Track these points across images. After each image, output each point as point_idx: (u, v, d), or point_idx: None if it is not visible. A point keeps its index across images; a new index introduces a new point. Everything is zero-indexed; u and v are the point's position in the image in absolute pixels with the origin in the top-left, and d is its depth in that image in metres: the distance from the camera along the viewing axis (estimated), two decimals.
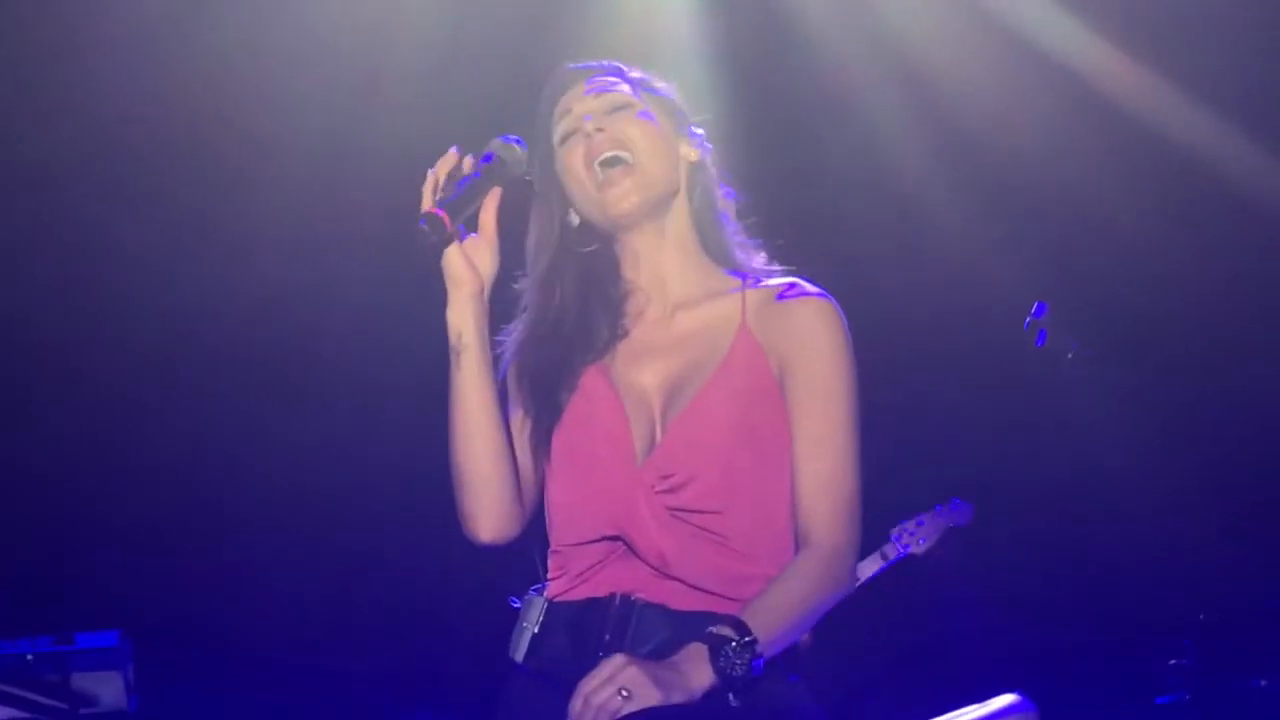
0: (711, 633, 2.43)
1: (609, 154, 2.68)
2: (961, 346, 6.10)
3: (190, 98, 5.61)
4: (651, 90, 2.81)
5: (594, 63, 2.83)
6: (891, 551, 5.66)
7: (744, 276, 2.76)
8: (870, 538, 5.50)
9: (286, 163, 5.71)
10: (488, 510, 2.65)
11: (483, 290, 2.65)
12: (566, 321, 2.73)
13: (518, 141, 2.73)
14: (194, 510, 6.02)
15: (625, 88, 2.77)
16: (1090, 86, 5.75)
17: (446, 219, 2.55)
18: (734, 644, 2.41)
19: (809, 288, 2.73)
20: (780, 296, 2.70)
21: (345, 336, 6.03)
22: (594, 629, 2.59)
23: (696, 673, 2.40)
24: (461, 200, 2.61)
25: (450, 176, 2.64)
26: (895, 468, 4.57)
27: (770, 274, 2.76)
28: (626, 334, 2.75)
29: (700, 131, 2.84)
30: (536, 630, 2.66)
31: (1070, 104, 5.82)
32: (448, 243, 2.61)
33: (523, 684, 2.67)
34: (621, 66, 2.83)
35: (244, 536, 6.04)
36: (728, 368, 2.64)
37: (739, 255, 2.78)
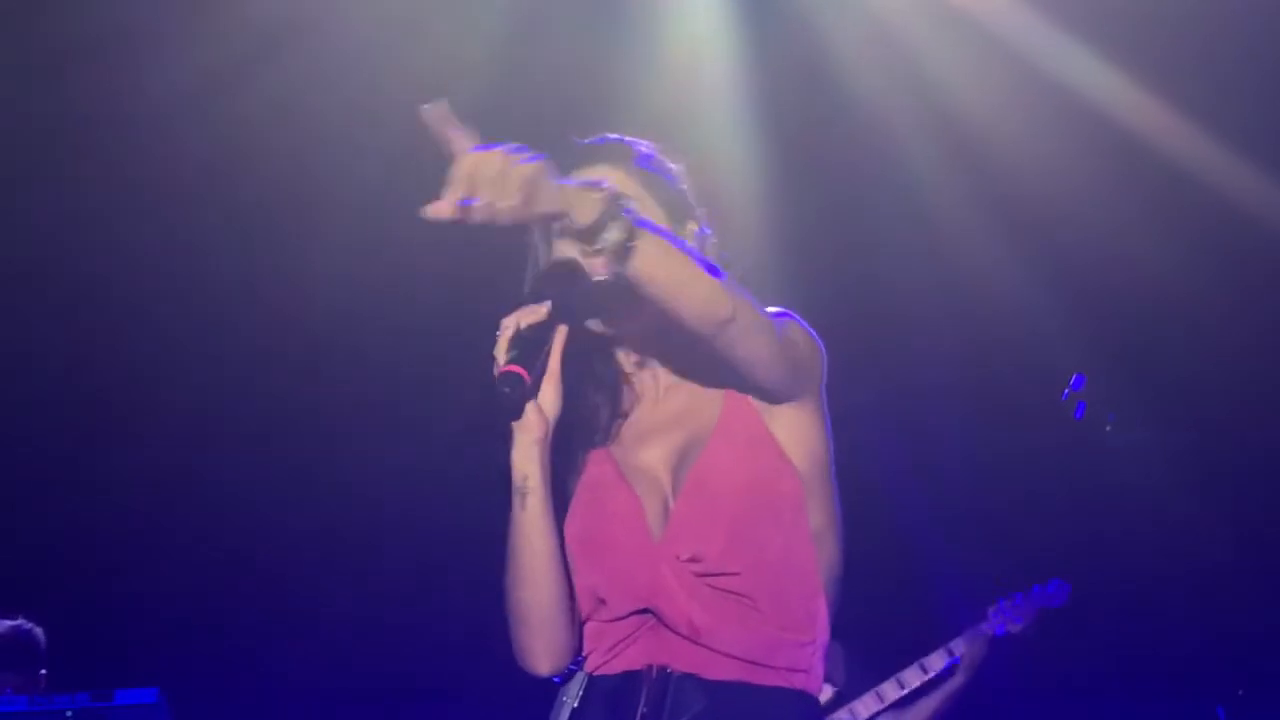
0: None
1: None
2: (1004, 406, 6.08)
3: (228, 153, 5.65)
4: (657, 172, 2.74)
5: (599, 141, 2.77)
6: (989, 628, 5.63)
7: None
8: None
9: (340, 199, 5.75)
10: (549, 646, 2.63)
11: (548, 433, 2.61)
12: (564, 406, 2.68)
13: None
14: (235, 570, 6.04)
15: (636, 188, 2.67)
16: (1132, 135, 5.74)
17: (525, 375, 2.51)
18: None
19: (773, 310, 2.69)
20: None
21: (392, 373, 6.05)
22: (630, 701, 2.59)
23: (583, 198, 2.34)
24: (533, 350, 2.55)
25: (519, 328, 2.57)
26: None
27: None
28: (626, 415, 2.75)
29: (702, 218, 2.76)
30: (576, 705, 2.65)
31: (1111, 153, 5.81)
32: (528, 398, 2.58)
33: None
34: (630, 146, 2.76)
35: (283, 599, 6.06)
36: (724, 428, 2.65)
37: None
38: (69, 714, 5.09)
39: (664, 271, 2.41)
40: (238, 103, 5.59)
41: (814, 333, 2.69)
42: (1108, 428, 5.10)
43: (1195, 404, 6.05)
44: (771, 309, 2.64)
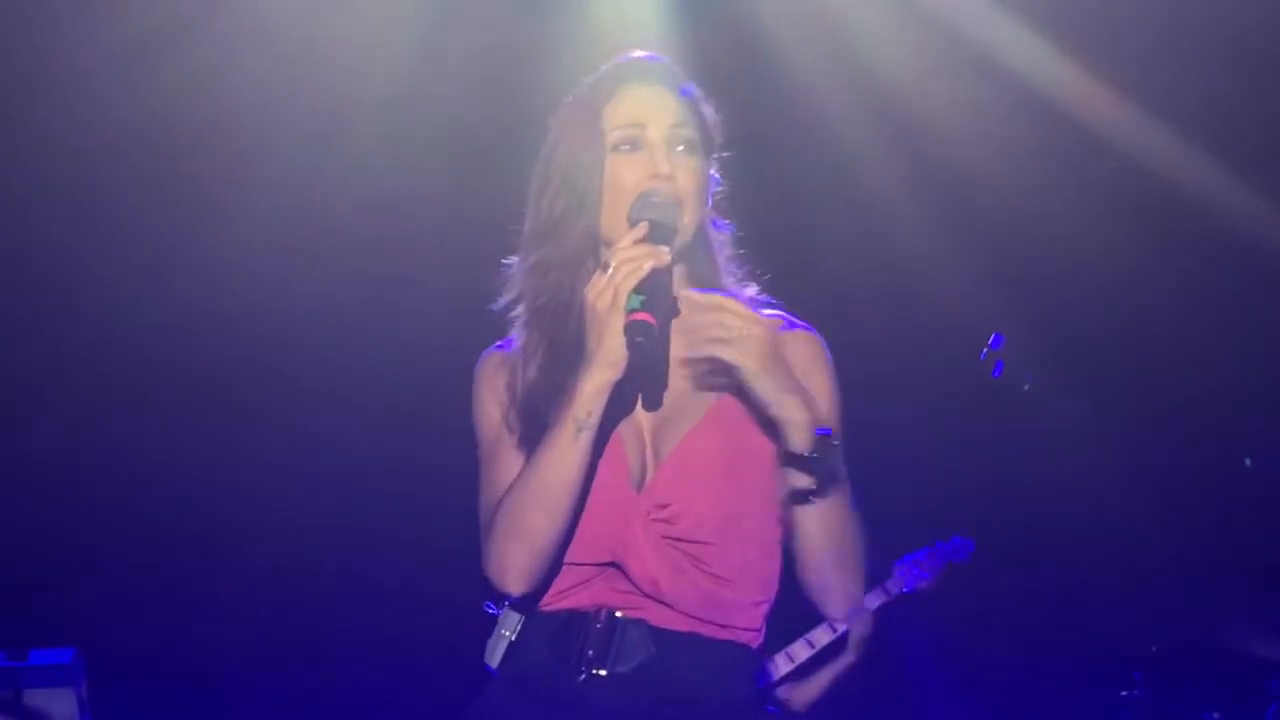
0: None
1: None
2: (924, 369, 6.13)
3: (167, 118, 5.60)
4: (704, 119, 2.74)
5: (664, 60, 2.76)
6: (895, 587, 5.69)
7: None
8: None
9: (266, 178, 5.71)
10: (536, 571, 2.58)
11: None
12: (564, 336, 2.68)
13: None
14: (151, 528, 5.99)
15: (692, 127, 2.69)
16: (1055, 110, 5.80)
17: (654, 321, 2.51)
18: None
19: (798, 322, 2.75)
20: (780, 329, 2.68)
21: (316, 351, 6.02)
22: (576, 642, 2.60)
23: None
24: (659, 293, 2.53)
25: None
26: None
27: (757, 305, 2.72)
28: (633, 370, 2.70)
29: (717, 175, 2.78)
30: (514, 638, 2.66)
31: (1036, 127, 5.87)
32: (657, 344, 2.56)
33: (498, 692, 2.67)
34: (679, 73, 2.76)
35: (201, 556, 6.02)
36: (723, 402, 2.64)
37: (730, 288, 2.75)
38: None
39: (836, 532, 2.58)
40: (164, 70, 5.54)
41: (829, 351, 2.75)
42: (1025, 387, 5.14)
43: (1109, 365, 6.12)
44: (798, 322, 2.75)
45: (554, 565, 2.60)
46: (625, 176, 2.63)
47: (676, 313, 2.62)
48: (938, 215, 6.02)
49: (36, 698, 5.04)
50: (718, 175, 2.79)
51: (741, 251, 2.84)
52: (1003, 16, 5.67)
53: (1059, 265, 6.14)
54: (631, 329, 2.49)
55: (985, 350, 5.16)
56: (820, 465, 2.51)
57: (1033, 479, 6.09)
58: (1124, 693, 5.39)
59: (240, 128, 5.70)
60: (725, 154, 2.81)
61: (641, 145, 2.65)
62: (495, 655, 2.67)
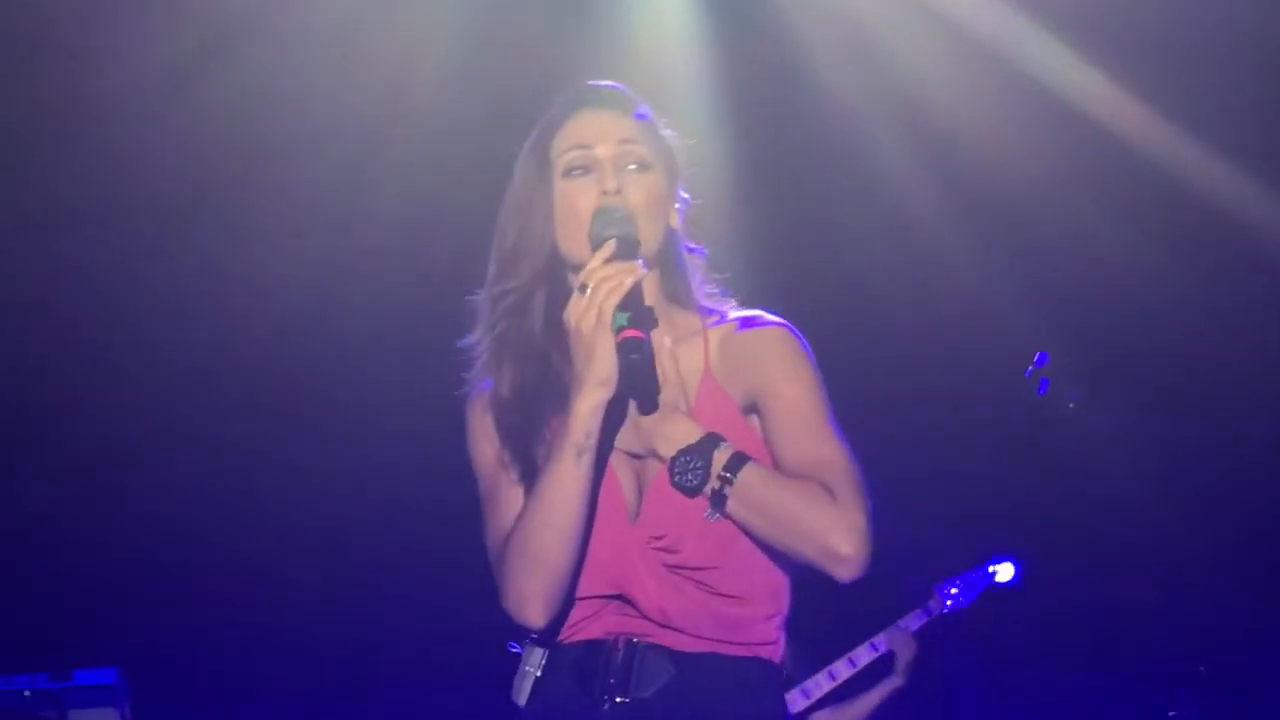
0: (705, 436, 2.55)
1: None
2: (970, 388, 6.10)
3: (209, 136, 5.64)
4: (661, 139, 2.73)
5: (618, 88, 2.74)
6: (936, 607, 5.66)
7: (707, 313, 2.71)
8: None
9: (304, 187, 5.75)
10: (553, 596, 2.55)
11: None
12: (532, 365, 2.66)
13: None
14: (195, 550, 6.00)
15: (645, 144, 2.68)
16: (1100, 130, 5.76)
17: (644, 336, 2.50)
18: (703, 453, 2.53)
19: (768, 318, 2.69)
20: (740, 329, 2.67)
21: (362, 368, 6.03)
22: (598, 671, 2.58)
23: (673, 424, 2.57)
24: (641, 308, 2.53)
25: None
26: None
27: (731, 310, 2.72)
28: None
29: (684, 192, 2.76)
30: (539, 674, 2.63)
31: (1082, 149, 5.84)
32: (648, 359, 2.54)
33: None
34: (636, 98, 2.74)
35: (246, 578, 6.02)
36: (696, 418, 2.60)
37: (704, 301, 2.73)
38: (26, 694, 5.07)
39: (761, 512, 2.52)
40: (200, 96, 5.56)
41: (804, 341, 2.68)
42: (1071, 405, 5.11)
43: (1156, 386, 6.08)
44: (769, 318, 2.68)
45: (569, 592, 2.57)
46: (577, 200, 2.62)
47: (656, 324, 2.60)
48: (979, 233, 5.99)
49: (81, 718, 5.07)
50: (686, 195, 2.75)
51: (726, 275, 2.79)
52: (1048, 38, 5.64)
53: (1104, 282, 6.11)
54: (625, 346, 2.48)
55: (1030, 368, 5.13)
56: (687, 480, 2.52)
57: (1078, 496, 6.05)
58: (1171, 713, 5.35)
59: (281, 143, 5.71)
60: (689, 171, 2.77)
61: (591, 167, 2.64)
62: (522, 693, 2.64)
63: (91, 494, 5.91)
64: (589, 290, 2.49)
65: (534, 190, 2.67)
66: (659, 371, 2.59)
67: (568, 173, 2.64)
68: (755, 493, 2.49)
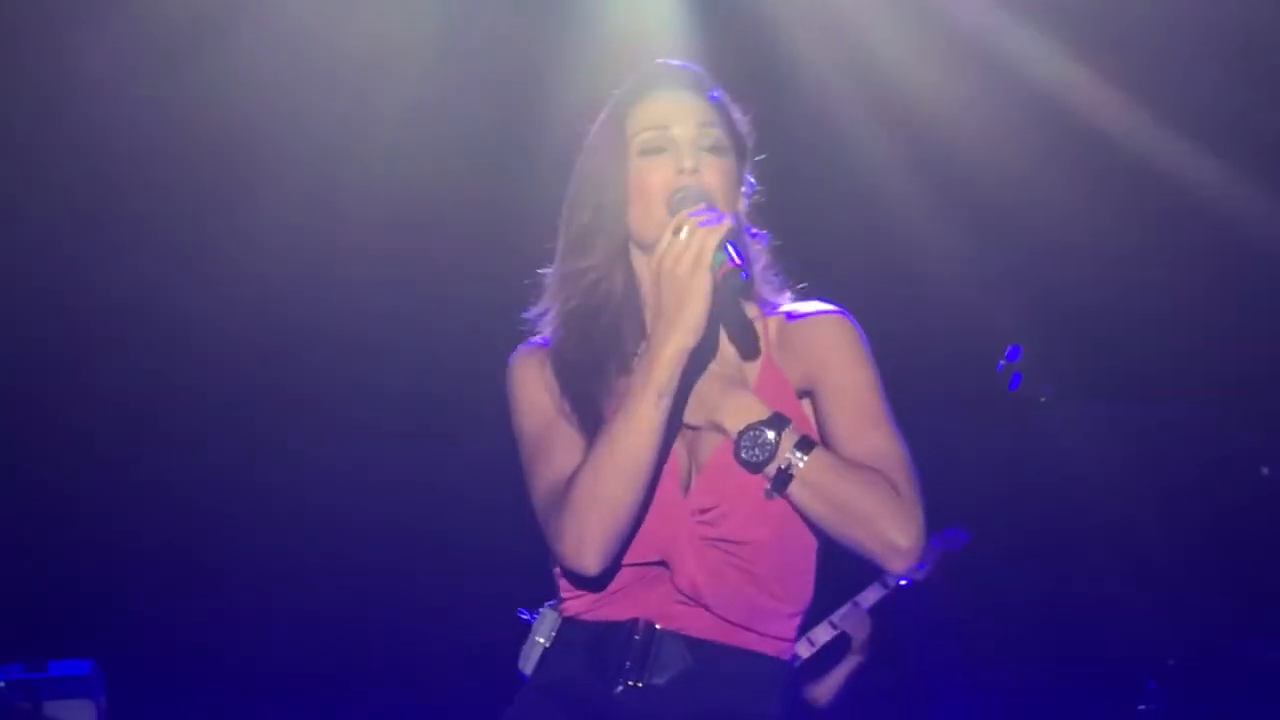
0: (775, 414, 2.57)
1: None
2: (940, 379, 6.12)
3: (187, 125, 5.63)
4: (734, 123, 2.75)
5: (693, 68, 2.76)
6: (892, 580, 5.69)
7: (762, 304, 2.74)
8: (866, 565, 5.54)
9: (286, 175, 5.74)
10: (612, 543, 2.55)
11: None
12: (600, 329, 2.69)
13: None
14: (170, 540, 6.00)
15: (720, 127, 2.69)
16: (1074, 117, 5.79)
17: (742, 265, 2.52)
18: (774, 430, 2.55)
19: (824, 306, 2.73)
20: (795, 318, 2.70)
21: (338, 356, 6.04)
22: (614, 653, 2.59)
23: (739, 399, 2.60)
24: (739, 245, 2.57)
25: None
26: None
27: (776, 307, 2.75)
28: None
29: (752, 179, 2.80)
30: (548, 645, 2.65)
31: (1056, 137, 5.85)
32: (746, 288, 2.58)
33: (529, 699, 2.66)
34: (713, 84, 2.77)
35: (220, 567, 6.03)
36: (760, 397, 2.62)
37: (765, 295, 2.76)
38: (1, 684, 5.07)
39: (827, 501, 2.54)
40: (178, 80, 5.57)
41: (860, 328, 2.71)
42: (1042, 399, 5.13)
43: (1126, 373, 6.11)
44: (824, 305, 2.72)
45: (626, 542, 2.57)
46: (651, 179, 2.64)
47: (750, 273, 2.61)
48: (953, 221, 6.00)
49: (56, 709, 5.07)
50: (753, 180, 2.79)
51: (781, 264, 2.83)
52: (1033, 28, 5.65)
53: (1076, 273, 6.13)
54: (729, 278, 2.49)
55: (1002, 363, 5.14)
56: (755, 455, 2.55)
57: (1049, 488, 6.07)
58: (1141, 706, 5.38)
59: (260, 134, 5.72)
60: (760, 157, 2.81)
61: (667, 147, 2.65)
62: (529, 662, 2.66)
63: (67, 485, 5.91)
64: (684, 231, 2.50)
65: (607, 169, 2.68)
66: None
67: (643, 152, 2.66)
68: (822, 475, 2.52)
